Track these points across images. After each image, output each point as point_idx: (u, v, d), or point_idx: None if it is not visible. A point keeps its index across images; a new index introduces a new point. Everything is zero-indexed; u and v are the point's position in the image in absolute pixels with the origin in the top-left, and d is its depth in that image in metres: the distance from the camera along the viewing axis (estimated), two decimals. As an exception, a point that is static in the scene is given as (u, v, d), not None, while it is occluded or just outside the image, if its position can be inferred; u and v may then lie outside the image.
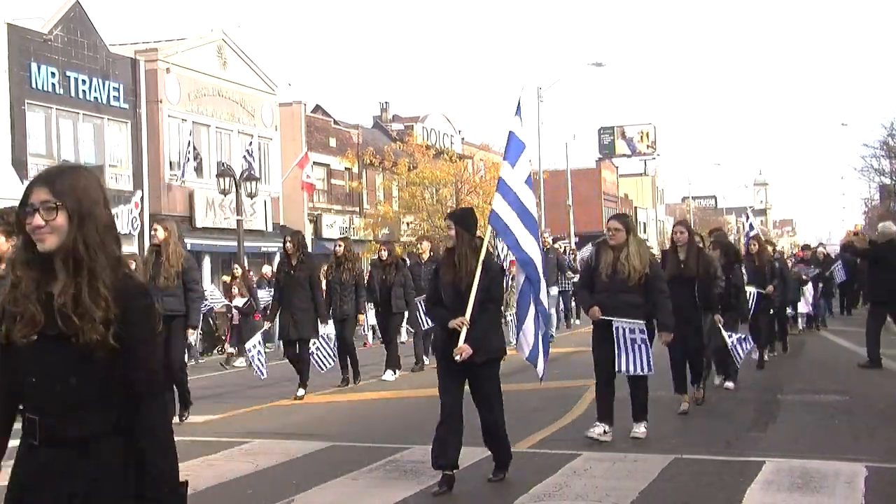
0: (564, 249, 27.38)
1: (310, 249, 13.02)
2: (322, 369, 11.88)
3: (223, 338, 19.98)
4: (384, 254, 13.42)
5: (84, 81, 25.64)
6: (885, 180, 49.38)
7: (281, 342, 12.78)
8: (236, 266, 20.39)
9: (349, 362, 12.60)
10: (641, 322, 7.64)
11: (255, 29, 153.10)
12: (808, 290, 18.39)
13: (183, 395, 9.77)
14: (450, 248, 6.46)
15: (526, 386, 10.40)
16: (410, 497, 6.07)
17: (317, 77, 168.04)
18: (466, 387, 6.45)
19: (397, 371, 13.06)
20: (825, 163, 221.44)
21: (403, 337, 17.92)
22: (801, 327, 18.77)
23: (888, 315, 13.38)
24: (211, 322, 19.72)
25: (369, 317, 16.96)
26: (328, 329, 12.52)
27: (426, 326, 12.95)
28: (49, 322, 2.53)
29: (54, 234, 2.60)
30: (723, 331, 9.81)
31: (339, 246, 13.00)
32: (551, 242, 19.75)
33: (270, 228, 32.00)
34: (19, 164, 23.34)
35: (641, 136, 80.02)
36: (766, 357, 13.04)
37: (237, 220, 24.11)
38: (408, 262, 14.94)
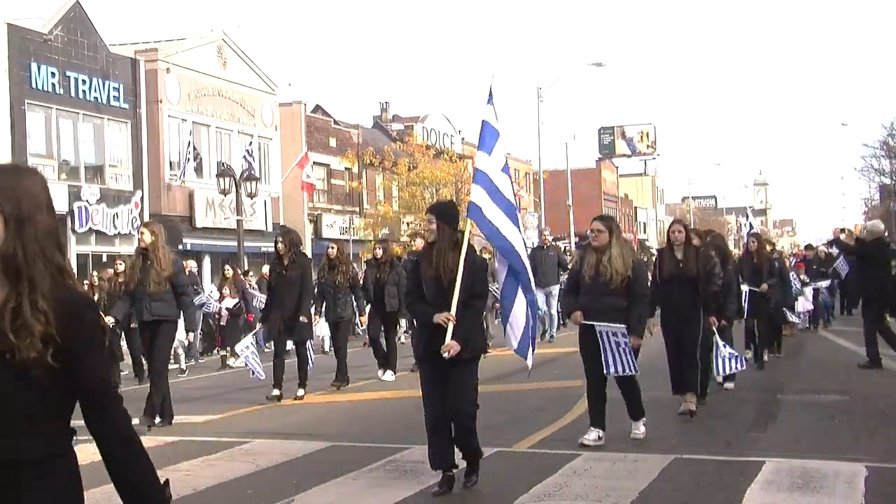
0: (565, 250, 27.39)
1: (310, 250, 12.92)
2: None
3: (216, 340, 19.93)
4: (379, 252, 13.35)
5: (84, 81, 25.65)
6: (885, 180, 49.42)
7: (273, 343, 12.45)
8: (227, 267, 20.32)
9: (337, 366, 12.40)
10: (623, 326, 7.48)
11: (255, 29, 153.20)
12: (808, 289, 18.37)
13: (161, 404, 9.38)
14: (430, 243, 6.30)
15: (526, 386, 10.40)
16: (410, 497, 6.07)
17: (317, 77, 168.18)
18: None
19: (392, 372, 12.95)
20: (825, 163, 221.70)
21: (403, 339, 17.90)
22: (801, 326, 18.74)
23: (881, 311, 13.38)
24: (211, 322, 19.70)
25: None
26: (320, 330, 12.47)
27: None
28: None
29: None
30: (717, 336, 9.44)
31: (332, 248, 12.93)
32: (551, 241, 19.72)
33: (270, 228, 31.99)
34: (19, 164, 23.33)
35: (641, 136, 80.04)
36: (765, 357, 13.02)
37: (237, 220, 24.11)
38: (403, 259, 14.91)
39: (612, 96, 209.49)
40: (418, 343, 6.39)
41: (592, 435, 7.60)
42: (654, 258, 10.59)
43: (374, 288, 12.99)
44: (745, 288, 12.06)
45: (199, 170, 29.53)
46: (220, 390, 12.98)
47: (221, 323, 18.63)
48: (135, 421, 8.96)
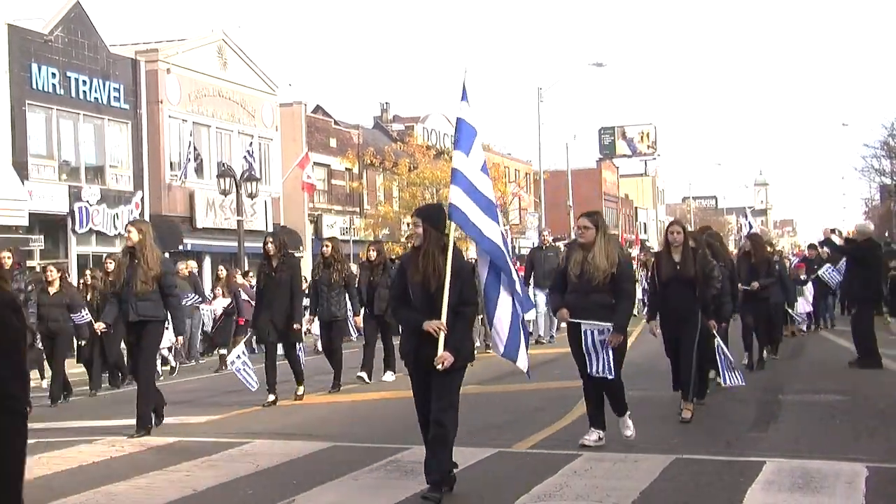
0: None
1: (310, 250, 12.82)
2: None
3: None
4: (372, 254, 13.11)
5: (84, 82, 25.66)
6: (886, 180, 49.43)
7: (263, 346, 12.08)
8: (221, 268, 20.22)
9: (332, 367, 12.24)
10: (611, 325, 7.39)
11: (256, 29, 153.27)
12: (808, 289, 18.37)
13: (145, 406, 8.97)
14: (416, 247, 6.09)
15: (526, 386, 10.40)
16: (411, 497, 6.06)
17: (317, 77, 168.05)
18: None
19: (392, 372, 12.92)
20: (826, 163, 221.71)
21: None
22: (803, 328, 18.74)
23: (871, 311, 13.39)
24: (206, 321, 19.61)
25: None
26: (315, 328, 12.34)
27: None
28: None
29: None
30: (719, 340, 9.41)
31: (327, 247, 12.62)
32: (551, 241, 19.72)
33: (271, 229, 31.99)
34: (20, 165, 23.37)
35: (642, 137, 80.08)
36: (763, 357, 12.97)
37: (238, 221, 24.14)
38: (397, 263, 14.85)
39: (612, 96, 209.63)
40: (407, 350, 6.14)
41: (593, 436, 7.56)
42: (651, 260, 10.54)
43: (367, 290, 12.80)
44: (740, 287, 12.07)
45: (199, 170, 29.56)
46: (219, 391, 12.99)
47: (216, 324, 18.58)
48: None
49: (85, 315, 12.88)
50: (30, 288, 12.31)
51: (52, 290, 12.74)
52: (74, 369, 14.57)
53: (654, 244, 63.13)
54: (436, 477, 5.91)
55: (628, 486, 6.24)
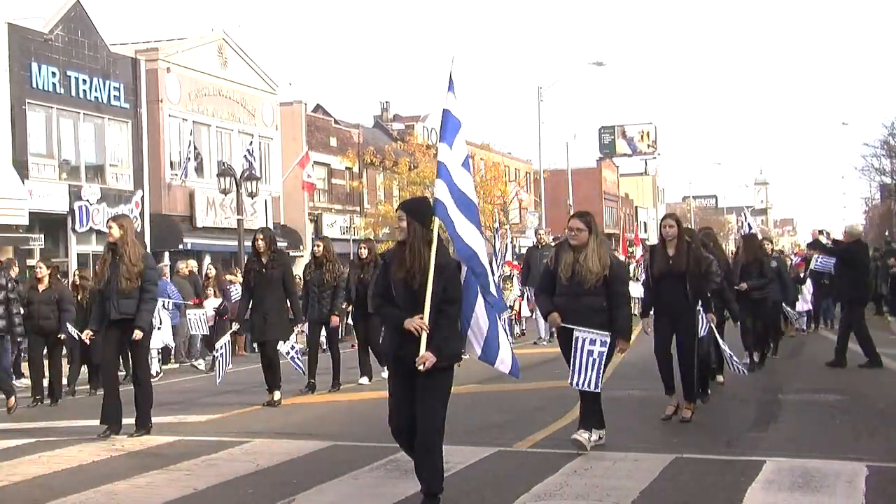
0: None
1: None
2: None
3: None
4: (364, 252, 12.76)
5: (85, 81, 25.66)
6: (886, 179, 49.43)
7: (256, 346, 12.05)
8: (210, 266, 19.76)
9: (331, 366, 12.12)
10: (606, 334, 7.21)
11: (256, 28, 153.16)
12: (807, 288, 18.35)
13: (141, 408, 8.92)
14: (401, 242, 5.84)
15: (526, 386, 10.40)
16: (411, 496, 6.06)
17: (317, 76, 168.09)
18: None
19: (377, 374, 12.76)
20: (826, 162, 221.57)
21: None
22: (801, 327, 18.73)
23: (860, 311, 13.39)
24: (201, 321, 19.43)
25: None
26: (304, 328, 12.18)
27: None
28: None
29: None
30: (716, 332, 9.29)
31: (318, 246, 12.42)
32: (549, 241, 19.71)
33: (271, 228, 31.99)
34: (20, 164, 23.37)
35: (642, 136, 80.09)
36: (766, 355, 12.94)
37: (238, 220, 24.12)
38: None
39: (612, 96, 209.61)
40: (388, 348, 5.93)
41: (585, 435, 7.44)
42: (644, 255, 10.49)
43: (358, 288, 12.47)
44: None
45: (199, 169, 29.56)
46: (219, 390, 12.97)
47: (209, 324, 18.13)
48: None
49: (72, 332, 12.48)
50: (10, 286, 11.97)
51: (42, 287, 12.59)
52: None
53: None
54: (433, 483, 5.74)
55: (628, 485, 6.24)
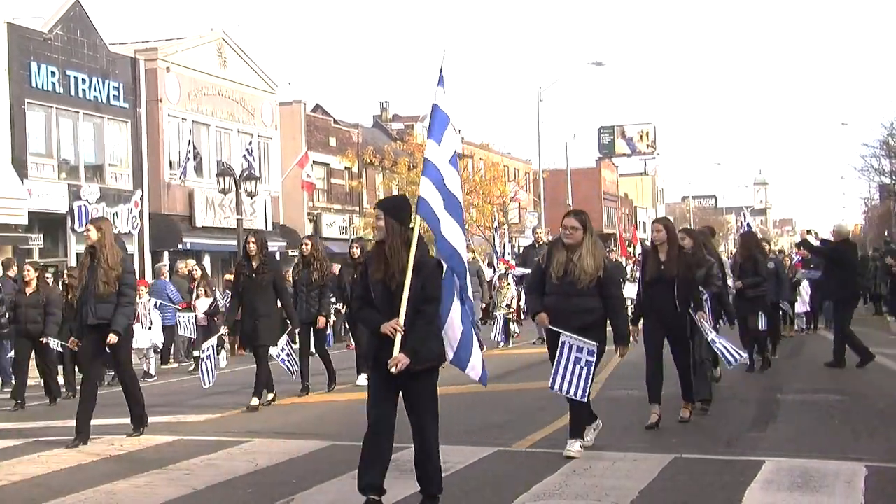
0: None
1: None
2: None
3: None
4: (356, 251, 12.45)
5: (84, 80, 25.65)
6: (885, 180, 49.41)
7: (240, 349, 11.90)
8: (196, 267, 18.85)
9: (324, 367, 11.97)
10: (594, 344, 7.00)
11: (255, 28, 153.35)
12: (805, 289, 18.34)
13: (134, 409, 8.89)
14: (379, 242, 5.65)
15: (526, 385, 10.41)
16: (410, 496, 6.06)
17: (317, 76, 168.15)
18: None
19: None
20: (825, 162, 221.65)
21: None
22: (800, 327, 18.73)
23: (849, 312, 13.38)
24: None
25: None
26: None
27: None
28: None
29: None
30: (707, 328, 8.81)
31: (306, 245, 12.08)
32: (546, 240, 19.71)
33: (270, 227, 32.01)
34: (19, 164, 23.36)
35: (641, 136, 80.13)
36: (766, 356, 12.91)
37: (237, 220, 24.11)
38: None
39: (612, 96, 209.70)
40: (368, 352, 5.69)
41: (587, 436, 7.34)
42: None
43: (353, 288, 12.35)
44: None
45: (198, 169, 29.55)
46: (219, 390, 12.96)
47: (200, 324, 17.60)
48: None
49: (53, 343, 12.42)
50: None
51: (30, 290, 12.43)
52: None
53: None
54: (432, 487, 5.68)
55: (627, 485, 6.24)
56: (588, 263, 7.08)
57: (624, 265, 23.84)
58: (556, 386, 7.05)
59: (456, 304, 5.90)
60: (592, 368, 7.05)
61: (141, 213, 27.19)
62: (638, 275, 18.52)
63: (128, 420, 8.96)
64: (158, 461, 7.50)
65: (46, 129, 24.75)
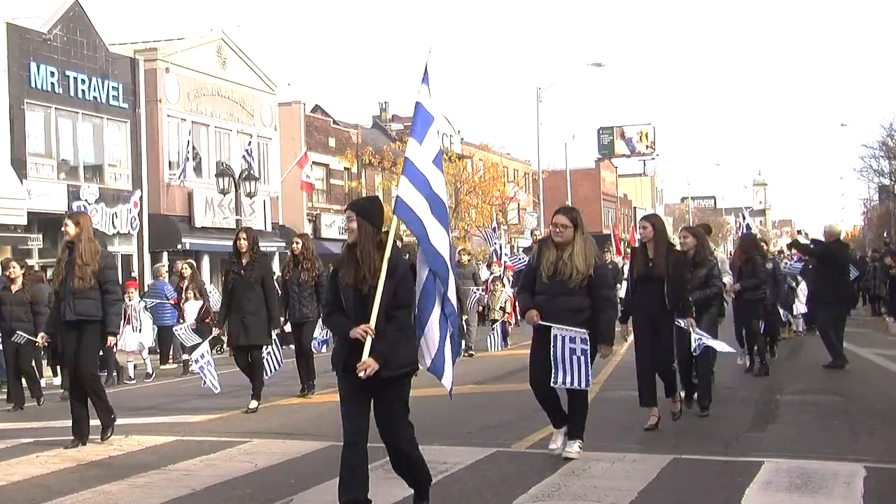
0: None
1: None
2: (268, 374, 10.96)
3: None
4: (297, 247, 12.05)
5: (83, 81, 25.65)
6: (884, 181, 49.46)
7: (230, 349, 11.53)
8: (185, 265, 17.78)
9: (305, 371, 11.71)
10: (584, 331, 6.92)
11: (255, 29, 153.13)
12: (803, 290, 18.34)
13: (100, 411, 8.65)
14: (350, 245, 5.43)
15: (525, 386, 10.36)
16: (409, 496, 6.05)
17: (316, 77, 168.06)
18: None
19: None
20: (824, 163, 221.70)
21: None
22: (798, 329, 18.73)
23: (840, 312, 13.36)
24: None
25: None
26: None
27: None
28: None
29: None
30: (693, 333, 8.62)
31: (297, 244, 11.85)
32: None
33: (269, 228, 32.01)
34: (19, 164, 23.35)
35: (640, 137, 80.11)
36: (766, 360, 12.86)
37: (236, 220, 24.16)
38: None
39: (611, 96, 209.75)
40: (337, 358, 5.48)
41: (559, 441, 7.15)
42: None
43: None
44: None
45: (198, 169, 29.55)
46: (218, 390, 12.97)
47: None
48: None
49: (18, 338, 12.17)
50: None
51: (15, 288, 12.27)
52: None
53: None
54: (421, 479, 5.64)
55: (626, 486, 6.24)
56: (580, 262, 6.98)
57: (620, 265, 23.75)
58: (560, 380, 6.99)
59: (438, 310, 5.67)
60: (589, 356, 6.99)
61: (140, 214, 27.19)
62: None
63: (127, 421, 8.96)
64: (157, 462, 7.50)
65: (46, 130, 24.74)
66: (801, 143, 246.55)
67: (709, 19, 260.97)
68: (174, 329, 16.18)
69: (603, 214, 68.10)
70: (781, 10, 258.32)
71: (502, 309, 17.85)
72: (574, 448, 7.13)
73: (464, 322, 16.57)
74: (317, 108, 41.81)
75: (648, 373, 8.35)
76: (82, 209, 25.06)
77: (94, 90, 26.02)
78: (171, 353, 18.49)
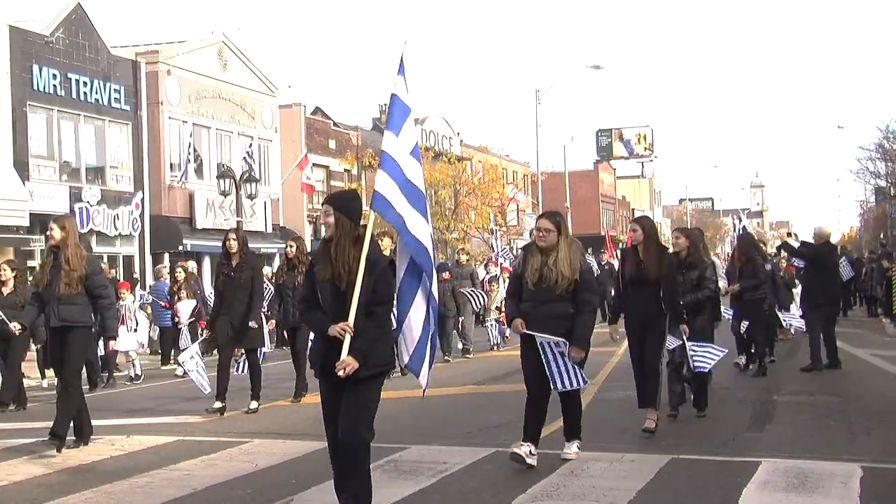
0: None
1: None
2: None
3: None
4: (291, 250, 11.79)
5: (85, 83, 25.70)
6: (881, 182, 49.47)
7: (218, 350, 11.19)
8: (180, 268, 17.65)
9: (296, 374, 11.45)
10: (564, 341, 6.81)
11: (256, 31, 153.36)
12: (799, 292, 18.35)
13: (78, 419, 8.42)
14: (327, 240, 5.31)
15: (524, 387, 10.41)
16: (409, 497, 6.10)
17: (316, 79, 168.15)
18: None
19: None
20: (821, 165, 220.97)
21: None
22: (794, 331, 18.74)
23: (832, 314, 13.35)
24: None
25: None
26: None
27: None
28: None
29: None
30: (686, 343, 8.58)
31: (290, 247, 11.58)
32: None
33: (270, 230, 32.06)
34: (21, 166, 23.40)
35: (639, 139, 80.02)
36: (764, 362, 12.88)
37: (237, 222, 24.14)
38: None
39: (609, 99, 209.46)
40: (314, 358, 5.41)
41: (524, 448, 6.89)
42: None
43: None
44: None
45: (199, 171, 29.59)
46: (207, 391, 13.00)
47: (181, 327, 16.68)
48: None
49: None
50: None
51: (6, 290, 12.09)
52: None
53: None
54: (361, 499, 5.30)
55: (625, 486, 6.28)
56: (565, 267, 6.86)
57: (616, 267, 23.74)
58: (559, 385, 6.95)
59: (420, 304, 5.54)
60: None
61: (141, 215, 27.23)
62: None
63: (128, 421, 8.99)
64: (158, 461, 7.54)
65: (48, 132, 24.79)
66: (798, 146, 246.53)
67: (707, 22, 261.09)
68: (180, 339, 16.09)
69: (601, 216, 68.14)
70: (778, 13, 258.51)
71: (498, 309, 17.92)
72: (572, 449, 7.19)
73: (461, 323, 16.63)
74: (317, 111, 41.83)
75: (642, 373, 8.30)
76: (84, 211, 25.16)
77: (96, 92, 26.07)
78: (171, 353, 18.49)
